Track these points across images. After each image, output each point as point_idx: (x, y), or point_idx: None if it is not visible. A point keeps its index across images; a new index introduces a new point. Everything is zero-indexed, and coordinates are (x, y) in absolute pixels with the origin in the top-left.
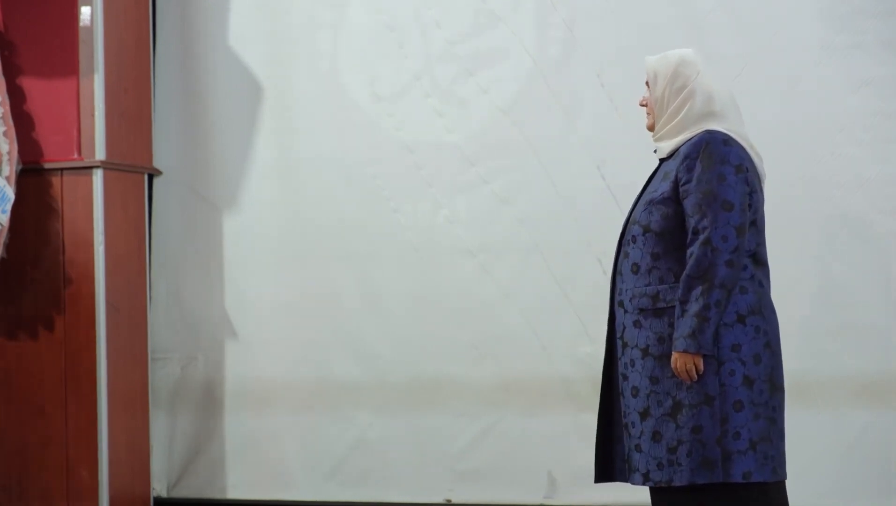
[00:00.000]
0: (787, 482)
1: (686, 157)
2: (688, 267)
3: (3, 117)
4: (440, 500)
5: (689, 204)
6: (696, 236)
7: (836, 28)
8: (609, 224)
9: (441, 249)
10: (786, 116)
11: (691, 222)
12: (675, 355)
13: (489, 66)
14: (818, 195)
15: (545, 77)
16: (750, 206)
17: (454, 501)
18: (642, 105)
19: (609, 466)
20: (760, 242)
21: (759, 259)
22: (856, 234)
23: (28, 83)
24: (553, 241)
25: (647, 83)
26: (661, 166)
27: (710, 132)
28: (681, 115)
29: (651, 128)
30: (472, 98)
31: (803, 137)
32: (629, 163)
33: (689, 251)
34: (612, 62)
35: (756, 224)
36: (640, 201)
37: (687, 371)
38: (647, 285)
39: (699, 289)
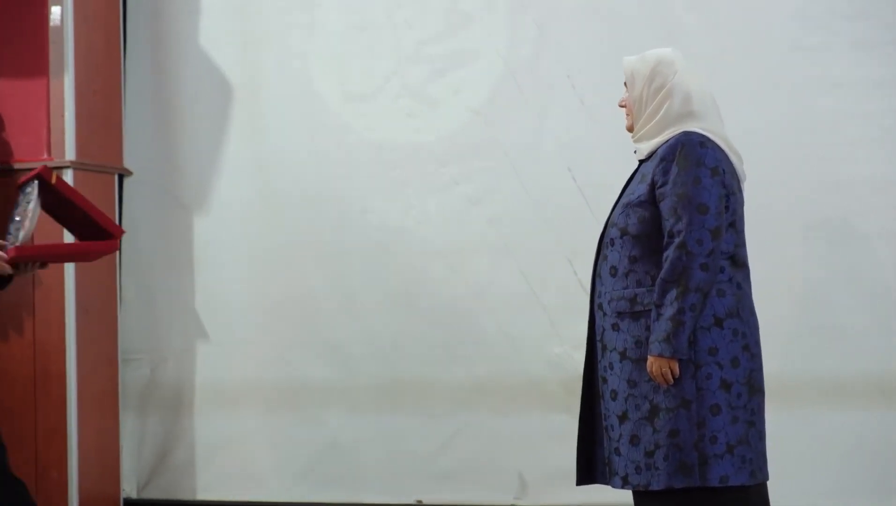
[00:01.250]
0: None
1: (662, 159)
2: (663, 271)
3: None
4: (411, 501)
5: (664, 207)
6: (672, 240)
7: (807, 29)
8: (580, 225)
9: (412, 250)
10: (756, 117)
11: (667, 226)
12: (650, 359)
13: (460, 67)
14: (789, 196)
15: (516, 78)
16: (727, 207)
17: (425, 501)
18: (621, 106)
19: (591, 468)
20: (739, 244)
21: (738, 261)
22: (829, 235)
23: None
24: (524, 242)
25: (625, 84)
26: (640, 168)
27: (686, 134)
28: (659, 115)
29: (630, 129)
30: (443, 99)
31: (774, 137)
32: (600, 164)
33: (664, 255)
34: (583, 63)
35: (735, 226)
36: (619, 204)
37: (662, 375)
38: (624, 288)
39: (674, 293)
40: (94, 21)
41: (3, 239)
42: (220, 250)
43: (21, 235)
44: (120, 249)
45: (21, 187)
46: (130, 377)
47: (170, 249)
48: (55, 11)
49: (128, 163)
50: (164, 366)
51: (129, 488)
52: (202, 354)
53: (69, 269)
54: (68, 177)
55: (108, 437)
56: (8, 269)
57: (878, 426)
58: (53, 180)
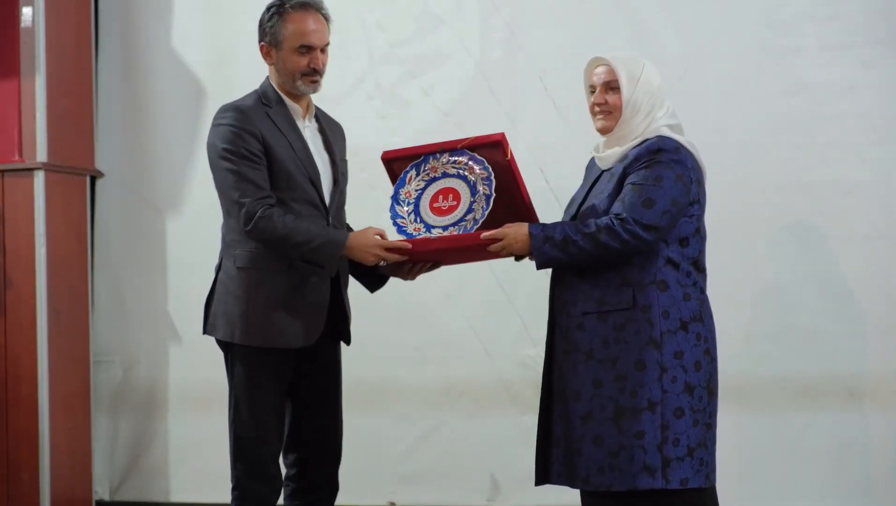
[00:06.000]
0: (730, 484)
1: (636, 159)
2: (601, 220)
3: None
4: (383, 502)
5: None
6: (618, 216)
7: (777, 32)
8: None
9: None
10: (726, 119)
11: (615, 207)
12: (520, 230)
13: (432, 69)
14: (758, 198)
15: (487, 79)
16: (692, 216)
17: (397, 503)
18: (600, 105)
19: (548, 469)
20: (702, 250)
21: (700, 266)
22: (796, 236)
23: None
24: None
25: (602, 85)
26: (602, 174)
27: (662, 138)
28: (648, 120)
29: (607, 130)
30: (414, 100)
31: (744, 140)
32: (572, 165)
33: (604, 220)
34: (554, 65)
35: (699, 231)
36: (586, 205)
37: (506, 247)
38: (592, 289)
39: (591, 231)
40: (65, 22)
41: (399, 228)
42: (192, 252)
43: (461, 220)
44: (92, 251)
45: (422, 158)
46: (102, 379)
47: (142, 251)
48: (26, 12)
49: (99, 164)
50: (136, 367)
51: (101, 490)
52: (174, 355)
53: (41, 271)
54: (39, 179)
55: (80, 439)
56: (370, 259)
57: (847, 428)
58: (509, 155)
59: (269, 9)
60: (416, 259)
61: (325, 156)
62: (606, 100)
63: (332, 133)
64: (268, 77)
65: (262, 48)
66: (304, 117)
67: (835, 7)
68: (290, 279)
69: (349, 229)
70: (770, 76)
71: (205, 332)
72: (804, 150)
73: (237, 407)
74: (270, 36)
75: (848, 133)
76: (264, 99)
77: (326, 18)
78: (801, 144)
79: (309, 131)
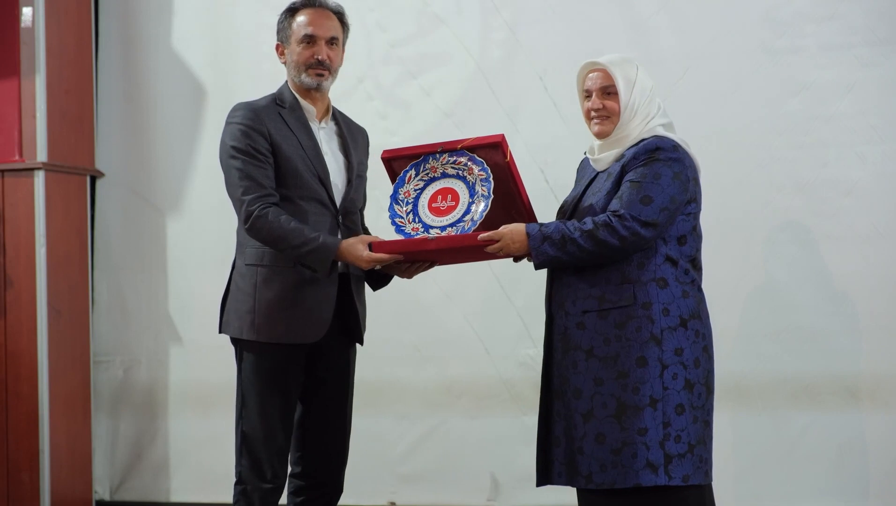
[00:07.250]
0: (729, 484)
1: (635, 157)
2: (598, 218)
3: None
4: (383, 502)
5: (620, 191)
6: (615, 212)
7: (777, 32)
8: None
9: None
10: (725, 119)
11: (612, 205)
12: (517, 230)
13: (432, 69)
14: (757, 198)
15: (488, 80)
16: (689, 214)
17: (398, 503)
18: (597, 110)
19: (549, 469)
20: (699, 248)
21: (697, 264)
22: (795, 236)
23: None
24: None
25: (599, 90)
26: (600, 174)
27: (660, 138)
28: (645, 122)
29: (605, 134)
30: (415, 100)
31: (744, 140)
32: (572, 165)
33: (601, 217)
34: (554, 65)
35: (696, 230)
36: (583, 205)
37: (503, 248)
38: (592, 287)
39: (588, 230)
40: (65, 21)
41: (397, 227)
42: (192, 252)
43: (459, 221)
44: (92, 251)
45: (421, 158)
46: (103, 379)
47: (142, 250)
48: (26, 12)
49: (100, 164)
50: (136, 368)
51: (101, 490)
52: (175, 355)
53: (41, 271)
54: (39, 179)
55: (80, 439)
56: (364, 266)
57: (846, 428)
58: (509, 157)
59: (283, 11)
60: (412, 259)
61: (341, 157)
62: (604, 105)
63: (351, 137)
64: (286, 80)
65: (277, 48)
66: (320, 119)
67: (834, 7)
68: (298, 276)
69: (365, 231)
70: (770, 76)
71: (220, 330)
72: (804, 150)
73: (244, 403)
74: (282, 34)
75: (848, 133)
76: (279, 100)
77: (338, 15)
78: (801, 144)
79: (324, 133)
